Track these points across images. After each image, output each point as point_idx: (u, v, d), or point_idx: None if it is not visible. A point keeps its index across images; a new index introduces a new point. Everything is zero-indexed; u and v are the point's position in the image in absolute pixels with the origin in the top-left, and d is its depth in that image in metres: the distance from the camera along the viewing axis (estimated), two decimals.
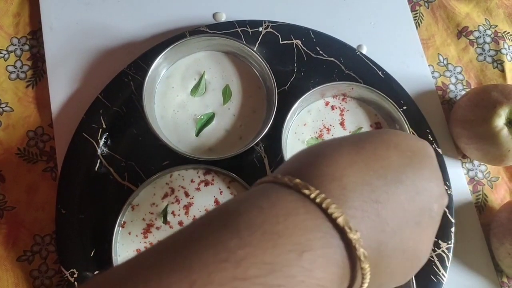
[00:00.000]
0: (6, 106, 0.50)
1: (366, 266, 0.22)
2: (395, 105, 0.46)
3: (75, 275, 0.43)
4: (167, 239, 0.21)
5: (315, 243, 0.20)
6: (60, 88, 0.50)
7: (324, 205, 0.21)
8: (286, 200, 0.22)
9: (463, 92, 0.54)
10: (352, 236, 0.21)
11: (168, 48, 0.45)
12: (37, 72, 0.51)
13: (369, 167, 0.23)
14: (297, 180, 0.22)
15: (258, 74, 0.48)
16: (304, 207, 0.21)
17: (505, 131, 0.45)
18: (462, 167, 0.52)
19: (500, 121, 0.45)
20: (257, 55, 0.46)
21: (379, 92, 0.46)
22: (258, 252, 0.19)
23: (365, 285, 0.23)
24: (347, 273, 0.22)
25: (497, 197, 0.51)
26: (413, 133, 0.49)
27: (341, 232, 0.21)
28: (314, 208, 0.21)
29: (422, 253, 0.25)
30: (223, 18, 0.53)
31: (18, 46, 0.52)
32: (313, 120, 0.48)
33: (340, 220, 0.21)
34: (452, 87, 0.55)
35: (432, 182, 0.25)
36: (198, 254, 0.19)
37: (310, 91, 0.46)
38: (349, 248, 0.21)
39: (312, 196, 0.22)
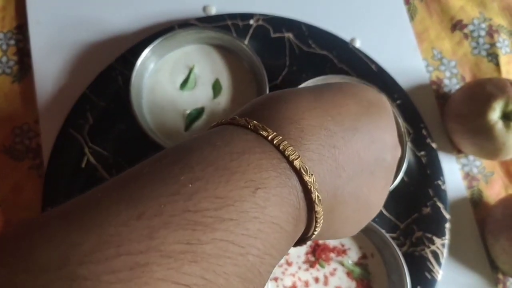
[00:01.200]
0: None
1: (319, 209, 0.22)
2: (388, 98, 0.45)
3: None
4: (114, 178, 0.20)
5: (269, 182, 0.20)
6: (47, 83, 0.48)
7: (281, 147, 0.21)
8: (241, 139, 0.21)
9: (457, 86, 0.53)
10: (307, 178, 0.21)
11: (156, 42, 0.44)
12: (23, 67, 0.50)
13: (327, 112, 0.24)
14: (255, 122, 0.22)
15: (248, 68, 0.47)
16: (260, 147, 0.21)
17: (499, 125, 0.45)
18: (457, 162, 0.51)
19: (494, 115, 0.45)
20: (247, 49, 0.45)
21: (372, 86, 0.45)
22: (210, 187, 0.19)
23: (318, 229, 0.23)
24: (303, 216, 0.22)
25: (492, 193, 0.51)
26: (407, 129, 0.48)
27: (297, 174, 0.21)
28: (271, 148, 0.21)
29: (374, 202, 0.26)
30: (213, 11, 0.52)
31: (4, 40, 0.51)
32: None
33: (296, 162, 0.21)
34: (446, 81, 0.54)
35: (387, 133, 0.26)
36: (147, 187, 0.18)
37: (302, 84, 0.45)
38: (305, 190, 0.21)
39: (270, 137, 0.21)
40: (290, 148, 0.21)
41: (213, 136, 0.22)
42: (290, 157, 0.21)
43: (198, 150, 0.20)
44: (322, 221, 0.23)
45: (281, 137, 0.21)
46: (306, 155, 0.22)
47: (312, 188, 0.21)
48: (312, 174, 0.21)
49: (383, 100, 0.28)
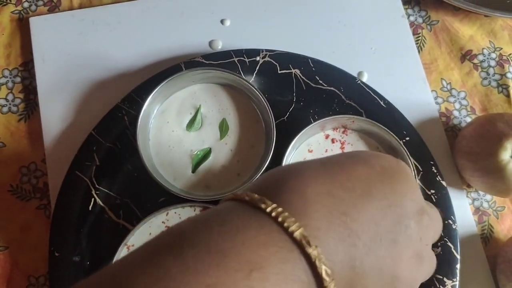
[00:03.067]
0: None
1: (331, 284, 0.20)
2: (396, 137, 0.45)
3: None
4: (107, 268, 0.21)
5: (268, 259, 0.19)
6: (53, 122, 0.48)
7: (280, 219, 0.20)
8: (238, 216, 0.21)
9: (467, 118, 0.53)
10: (311, 251, 0.20)
11: (163, 83, 0.44)
12: (29, 105, 0.50)
13: (335, 179, 0.23)
14: (254, 195, 0.22)
15: (255, 107, 0.47)
16: (258, 222, 0.20)
17: (511, 164, 0.44)
18: (467, 196, 0.50)
19: (506, 155, 0.44)
20: (253, 88, 0.45)
21: (380, 125, 0.45)
22: (200, 275, 0.18)
23: None
24: (310, 278, 0.21)
25: (503, 228, 0.50)
26: (415, 164, 0.47)
27: (299, 247, 0.20)
28: (270, 222, 0.20)
29: (403, 275, 0.24)
30: (219, 46, 0.51)
31: (10, 78, 0.51)
32: (313, 154, 0.46)
33: (297, 234, 0.20)
34: (456, 113, 0.53)
35: (406, 198, 0.24)
36: (138, 280, 0.19)
37: (310, 125, 0.44)
38: (310, 263, 0.20)
39: (268, 210, 0.21)
40: (290, 219, 0.20)
41: (211, 215, 0.21)
42: (290, 228, 0.20)
43: (194, 234, 0.20)
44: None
45: (281, 209, 0.21)
46: (311, 224, 0.21)
47: (316, 261, 0.20)
48: (316, 246, 0.20)
49: (400, 166, 0.26)
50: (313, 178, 0.23)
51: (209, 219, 0.21)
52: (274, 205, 0.21)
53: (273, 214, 0.21)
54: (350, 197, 0.22)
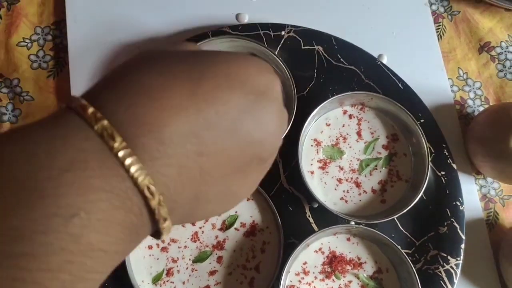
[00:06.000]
0: (27, 95, 0.50)
1: (167, 225, 0.20)
2: (413, 117, 0.46)
3: None
4: None
5: (95, 205, 0.17)
6: (81, 81, 0.50)
7: (126, 163, 0.18)
8: (75, 147, 0.18)
9: (481, 108, 0.54)
10: (154, 203, 0.19)
11: None
12: (59, 63, 0.52)
13: (202, 113, 0.20)
14: (105, 123, 0.18)
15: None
16: (98, 161, 0.18)
17: None
18: (475, 183, 0.52)
19: None
20: (278, 60, 0.46)
21: (398, 104, 0.46)
22: (6, 214, 0.16)
23: (166, 233, 0.21)
24: (147, 226, 0.20)
25: (508, 216, 0.51)
26: (429, 148, 0.48)
27: (142, 195, 0.19)
28: (112, 163, 0.18)
29: (241, 194, 0.25)
30: (246, 19, 0.53)
31: (42, 35, 0.52)
32: (330, 128, 0.48)
33: (142, 183, 0.18)
34: (470, 102, 0.54)
35: (268, 133, 0.23)
36: None
37: (329, 99, 0.46)
38: (150, 209, 0.19)
39: (115, 150, 0.18)
40: (137, 166, 0.18)
41: (41, 136, 0.18)
42: (135, 176, 0.18)
43: (7, 164, 0.17)
44: (172, 225, 0.21)
45: (129, 150, 0.18)
46: (161, 171, 0.19)
47: (156, 211, 0.19)
48: (160, 195, 0.19)
49: (273, 87, 0.23)
50: (177, 114, 0.19)
51: (36, 143, 0.18)
52: (124, 144, 0.18)
53: (120, 155, 0.18)
54: (212, 136, 0.20)
